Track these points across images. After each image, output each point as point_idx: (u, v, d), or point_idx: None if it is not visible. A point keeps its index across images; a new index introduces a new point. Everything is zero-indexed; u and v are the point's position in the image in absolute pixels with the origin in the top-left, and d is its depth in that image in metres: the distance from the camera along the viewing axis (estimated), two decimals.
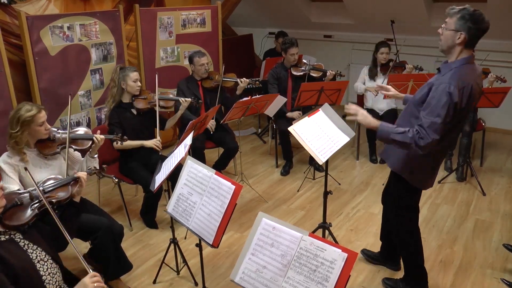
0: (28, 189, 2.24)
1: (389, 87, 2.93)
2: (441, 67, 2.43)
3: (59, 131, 2.89)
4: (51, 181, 2.36)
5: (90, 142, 2.96)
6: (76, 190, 2.37)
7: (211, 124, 4.18)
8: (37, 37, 3.90)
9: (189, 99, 3.86)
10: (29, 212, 2.09)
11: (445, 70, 2.38)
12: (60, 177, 2.44)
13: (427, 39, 5.80)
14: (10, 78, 3.71)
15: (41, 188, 2.22)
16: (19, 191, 2.23)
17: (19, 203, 2.11)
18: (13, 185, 2.64)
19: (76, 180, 2.38)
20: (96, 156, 3.01)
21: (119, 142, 3.27)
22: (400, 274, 3.01)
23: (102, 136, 2.99)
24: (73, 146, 2.90)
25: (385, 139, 2.42)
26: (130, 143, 3.51)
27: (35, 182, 2.14)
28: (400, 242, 2.85)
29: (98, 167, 2.70)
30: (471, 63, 2.37)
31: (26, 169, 2.24)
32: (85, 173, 2.43)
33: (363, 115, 2.46)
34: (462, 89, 2.26)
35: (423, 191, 2.65)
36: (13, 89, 3.74)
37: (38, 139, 2.77)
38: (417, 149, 2.30)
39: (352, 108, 2.50)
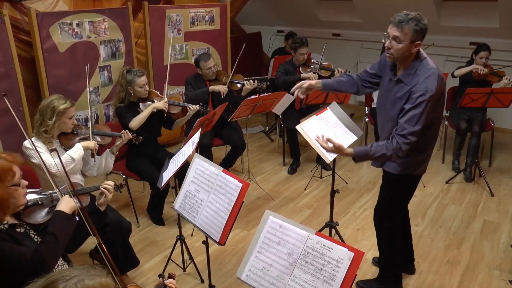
0: (49, 192, 2.23)
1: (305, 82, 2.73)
2: (402, 78, 2.37)
3: (83, 126, 3.03)
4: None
5: (111, 139, 3.10)
6: (101, 201, 2.34)
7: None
8: (46, 33, 3.93)
9: (197, 107, 3.80)
10: (46, 214, 2.10)
11: (408, 77, 2.34)
12: (82, 184, 2.45)
13: (436, 38, 5.73)
14: (20, 74, 3.74)
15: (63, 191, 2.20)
16: (42, 193, 2.24)
17: (40, 202, 2.13)
18: (49, 157, 2.69)
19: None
20: (116, 153, 3.14)
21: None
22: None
23: (130, 133, 3.14)
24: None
25: (365, 160, 2.52)
26: (141, 114, 3.53)
27: (56, 185, 2.15)
28: (379, 239, 2.89)
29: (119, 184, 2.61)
30: (423, 56, 2.36)
31: (55, 150, 2.15)
32: (109, 186, 2.35)
33: (339, 148, 2.46)
34: (434, 88, 2.24)
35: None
36: (22, 85, 3.78)
37: (62, 132, 2.89)
38: (396, 156, 2.37)
39: (328, 147, 2.47)
